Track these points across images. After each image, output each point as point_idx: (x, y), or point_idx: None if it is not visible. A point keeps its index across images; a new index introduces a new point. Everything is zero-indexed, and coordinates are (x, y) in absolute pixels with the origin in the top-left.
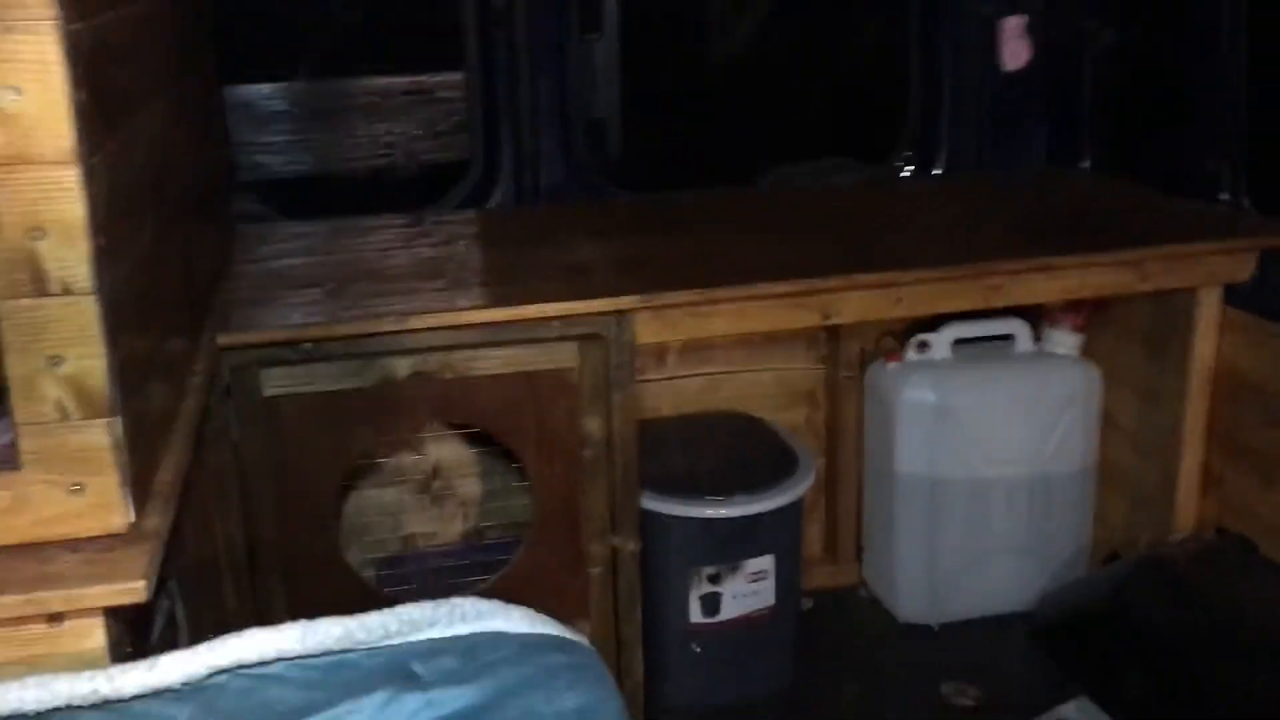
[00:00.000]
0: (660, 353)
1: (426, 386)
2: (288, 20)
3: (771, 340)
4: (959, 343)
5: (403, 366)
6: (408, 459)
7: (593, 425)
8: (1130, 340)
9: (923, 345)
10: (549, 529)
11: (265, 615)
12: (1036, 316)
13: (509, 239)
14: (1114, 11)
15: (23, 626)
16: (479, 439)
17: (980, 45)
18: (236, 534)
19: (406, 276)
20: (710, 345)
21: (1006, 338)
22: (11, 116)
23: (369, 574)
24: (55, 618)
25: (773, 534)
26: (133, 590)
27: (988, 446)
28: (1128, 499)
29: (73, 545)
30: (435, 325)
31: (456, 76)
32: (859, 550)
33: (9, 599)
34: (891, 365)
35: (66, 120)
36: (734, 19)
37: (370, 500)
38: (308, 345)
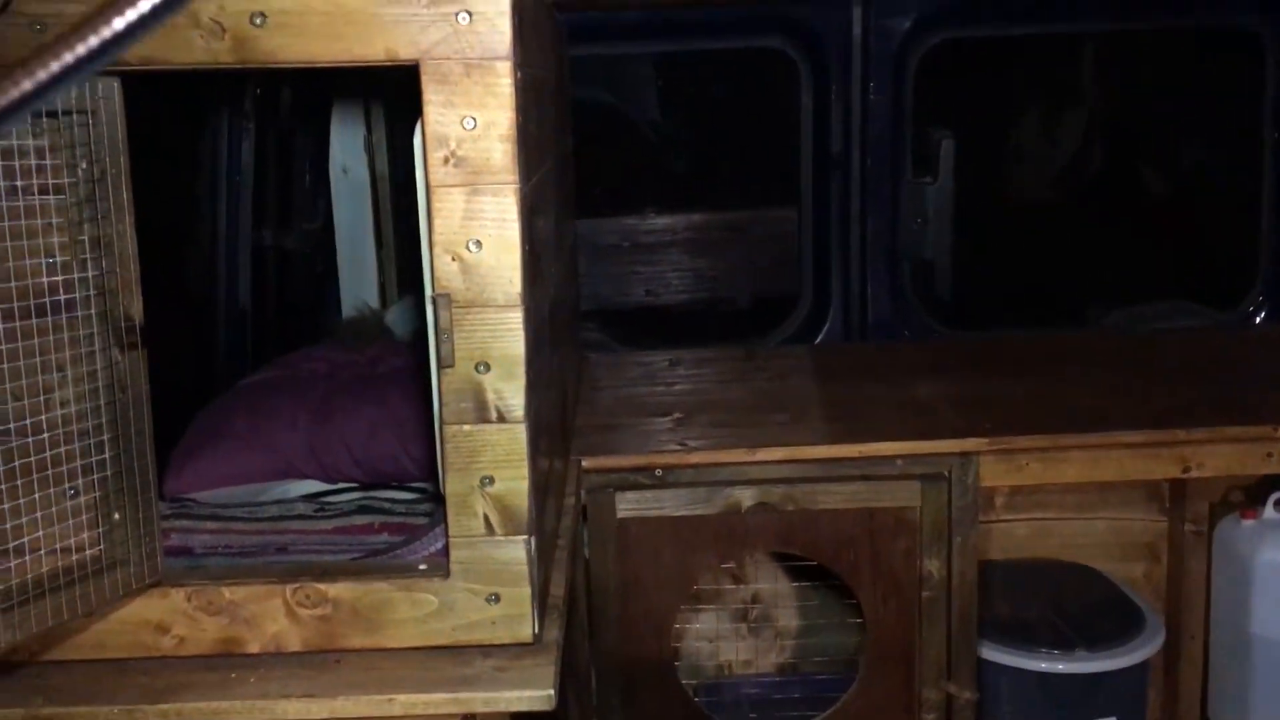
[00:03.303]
0: (988, 494)
1: (769, 517)
2: (629, 162)
3: (1107, 487)
4: None
5: (747, 496)
6: (728, 585)
7: (932, 566)
8: None
9: None
10: (882, 670)
11: None
12: None
13: (843, 374)
14: None
15: None
16: (803, 572)
17: None
18: (582, 647)
19: (749, 408)
20: (1042, 489)
21: None
22: (471, 266)
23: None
24: (469, 717)
25: (1116, 696)
26: (543, 698)
27: None
28: None
29: (486, 651)
30: (782, 458)
31: (785, 213)
32: None
33: (437, 697)
34: (1247, 522)
35: (517, 269)
36: (1068, 164)
37: (689, 624)
38: (659, 471)
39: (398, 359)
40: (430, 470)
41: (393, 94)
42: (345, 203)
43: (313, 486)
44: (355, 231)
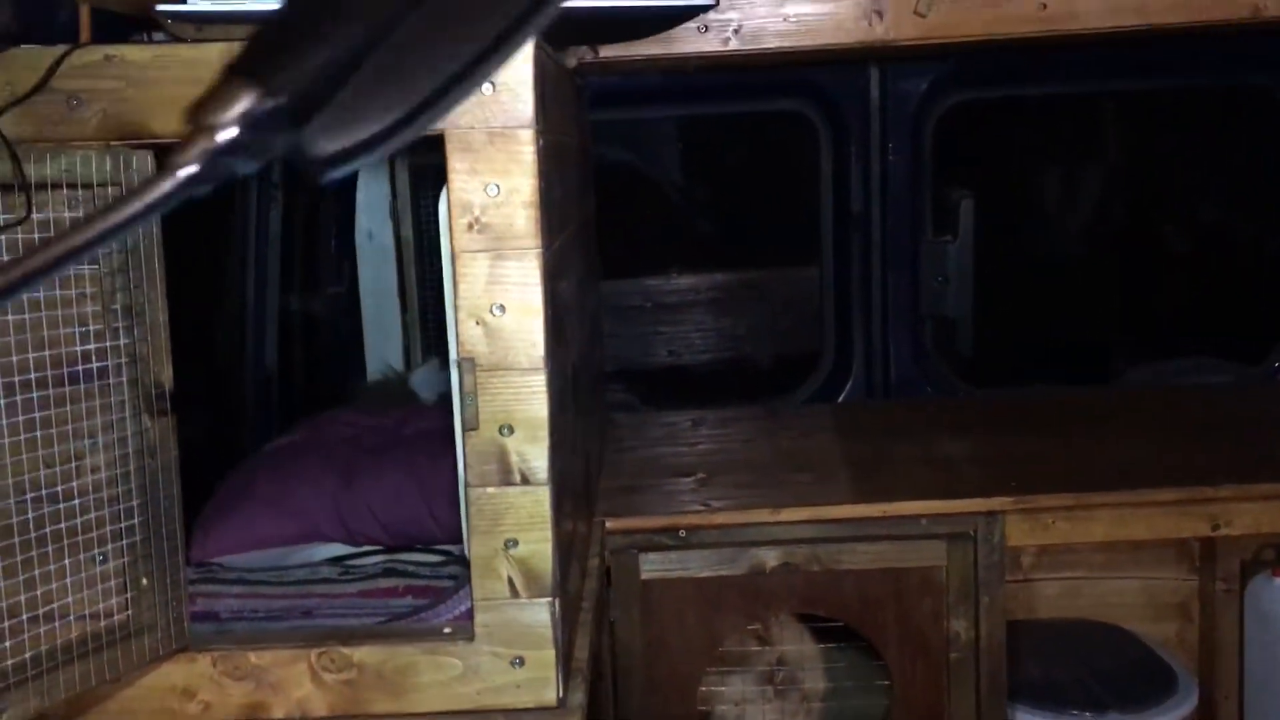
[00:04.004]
0: (1014, 553)
1: (793, 577)
2: (651, 224)
3: (1137, 546)
4: None
5: (772, 556)
6: (754, 647)
7: (959, 626)
8: None
9: None
10: None
11: None
12: None
13: (867, 433)
14: None
15: None
16: (829, 633)
17: None
18: (607, 712)
19: (772, 468)
20: (1070, 548)
21: None
22: (495, 330)
23: None
24: None
25: None
26: None
27: None
28: None
29: (511, 715)
30: (806, 518)
31: (807, 272)
32: None
33: None
34: (1279, 580)
35: (541, 332)
36: (1089, 222)
37: (715, 687)
38: (683, 532)
39: (422, 422)
40: (455, 533)
41: (416, 160)
42: (370, 267)
43: (337, 549)
44: (380, 296)
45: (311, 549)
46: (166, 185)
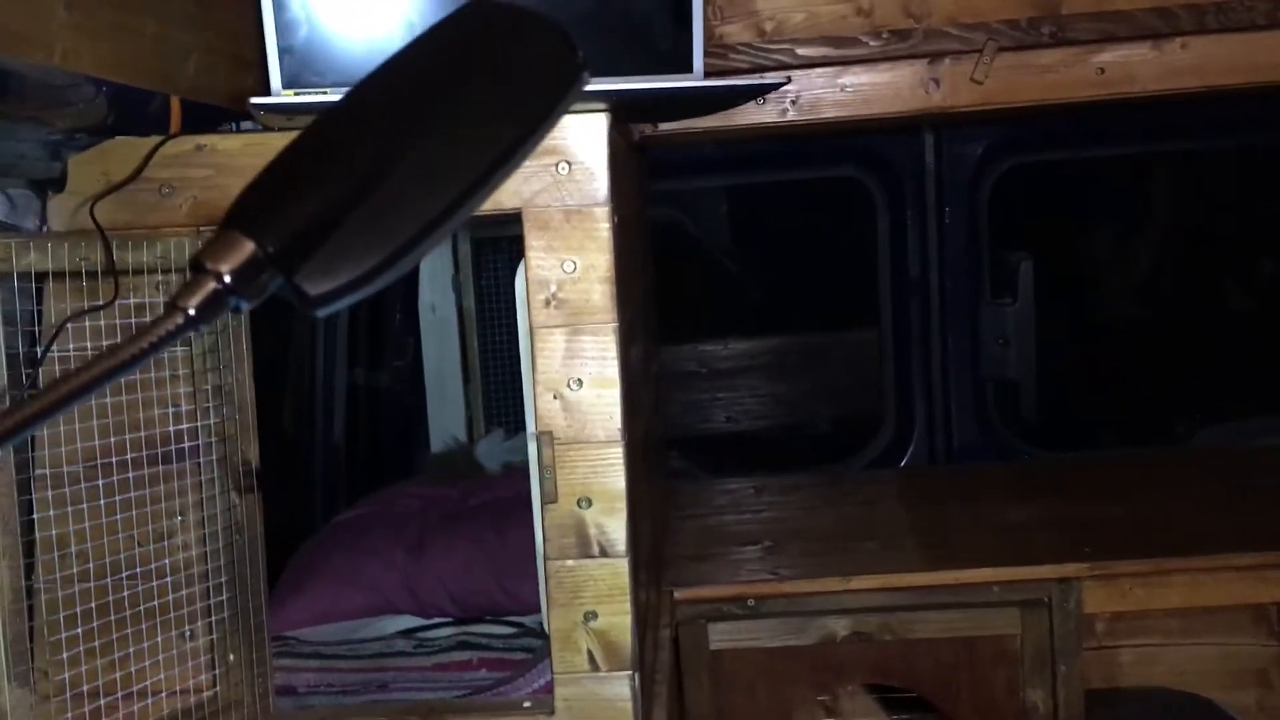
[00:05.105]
0: (1089, 620)
1: (864, 648)
2: (707, 289)
3: (1212, 611)
4: None
5: (842, 626)
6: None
7: (1036, 697)
8: None
9: None
10: None
11: None
12: None
13: (932, 498)
14: None
15: None
16: (900, 704)
17: None
18: None
19: (839, 535)
20: (1145, 614)
21: None
22: (572, 404)
23: None
24: None
25: None
26: None
27: None
28: None
29: None
30: (876, 587)
31: (865, 336)
32: None
33: None
34: None
35: (618, 405)
36: (1150, 281)
37: None
38: (751, 601)
39: (488, 492)
40: (525, 603)
41: (478, 234)
42: (433, 340)
43: (408, 621)
44: (443, 367)
45: (383, 621)
46: (177, 321)
